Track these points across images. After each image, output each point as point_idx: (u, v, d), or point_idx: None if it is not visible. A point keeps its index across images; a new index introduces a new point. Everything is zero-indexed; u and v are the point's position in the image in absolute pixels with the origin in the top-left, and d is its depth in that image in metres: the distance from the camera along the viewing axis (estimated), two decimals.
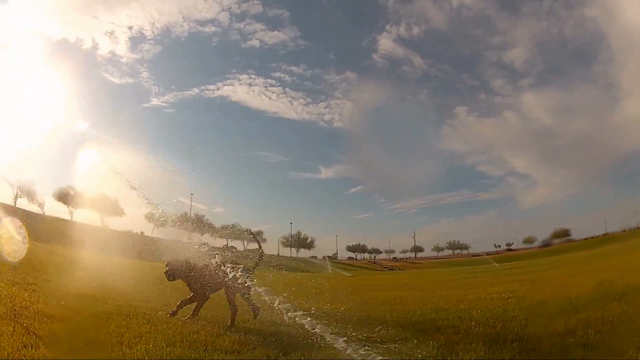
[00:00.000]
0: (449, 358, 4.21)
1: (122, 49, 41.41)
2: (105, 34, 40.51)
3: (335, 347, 4.21)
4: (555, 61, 46.86)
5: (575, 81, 45.65)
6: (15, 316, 4.99)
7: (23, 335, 4.26)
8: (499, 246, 54.36)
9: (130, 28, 40.29)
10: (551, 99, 47.12)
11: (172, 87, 48.87)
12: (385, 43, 47.32)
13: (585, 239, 43.97)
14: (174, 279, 6.49)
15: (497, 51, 45.16)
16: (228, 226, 40.70)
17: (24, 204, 36.77)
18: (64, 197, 41.16)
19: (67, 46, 38.63)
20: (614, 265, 14.27)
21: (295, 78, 46.82)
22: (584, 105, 44.52)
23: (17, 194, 36.85)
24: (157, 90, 43.97)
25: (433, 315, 7.22)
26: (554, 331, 5.30)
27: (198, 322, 6.16)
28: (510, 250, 52.87)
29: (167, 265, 6.46)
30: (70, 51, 39.05)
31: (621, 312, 6.02)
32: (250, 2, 44.66)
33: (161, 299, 7.95)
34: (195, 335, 5.19)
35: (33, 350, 3.94)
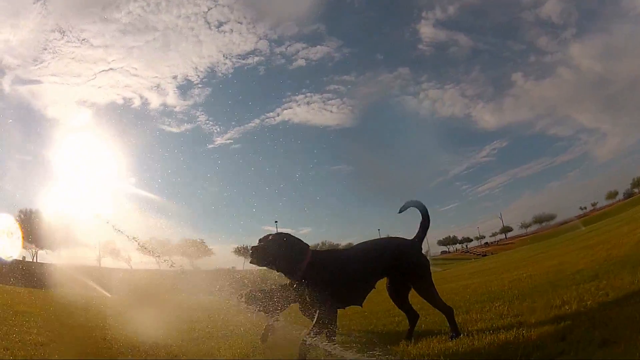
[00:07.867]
0: None
1: (172, 98, 42.99)
2: (152, 88, 42.95)
3: None
4: (586, 5, 41.70)
5: (610, 20, 39.97)
6: None
7: None
8: (585, 208, 48.20)
9: (174, 77, 42.92)
10: (595, 46, 41.91)
11: (232, 123, 50.43)
12: (426, 30, 46.10)
13: None
14: None
15: (531, 10, 41.35)
16: (317, 245, 40.71)
17: (109, 262, 36.49)
18: (148, 249, 44.30)
19: (116, 108, 41.07)
20: None
21: (350, 86, 46.70)
22: (625, 44, 38.90)
23: (100, 254, 37.73)
24: (218, 129, 46.65)
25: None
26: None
27: None
28: (594, 210, 47.06)
29: None
30: (122, 112, 41.89)
31: None
32: (284, 24, 46.89)
33: None
34: None
35: None
